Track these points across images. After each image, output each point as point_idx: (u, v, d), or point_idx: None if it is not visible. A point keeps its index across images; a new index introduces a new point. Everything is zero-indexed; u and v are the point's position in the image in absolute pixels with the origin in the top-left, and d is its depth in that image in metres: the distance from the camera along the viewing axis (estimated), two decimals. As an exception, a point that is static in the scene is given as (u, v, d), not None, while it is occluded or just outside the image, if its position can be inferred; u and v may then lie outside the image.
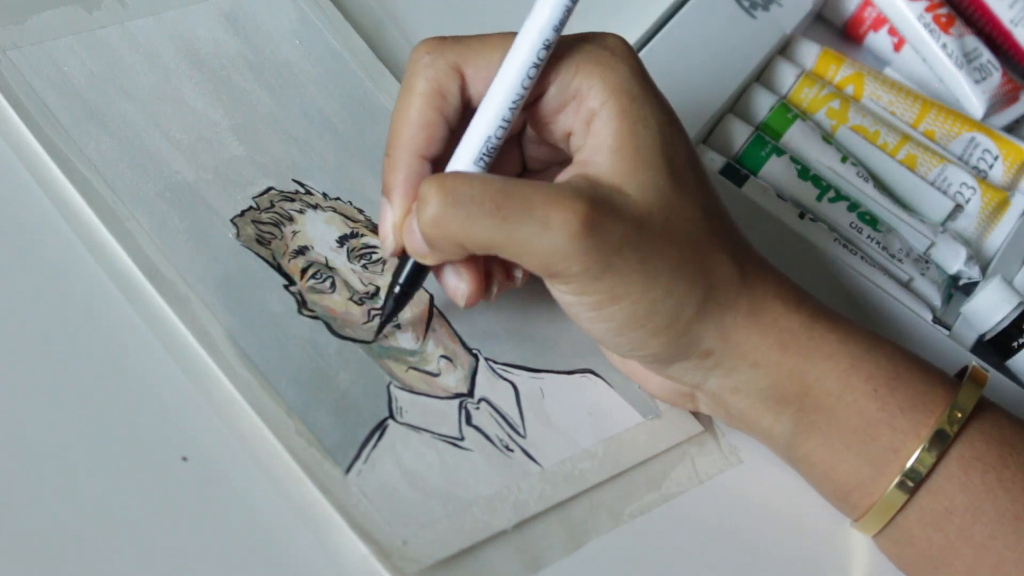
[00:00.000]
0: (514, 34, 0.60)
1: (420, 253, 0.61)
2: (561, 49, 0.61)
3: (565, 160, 0.63)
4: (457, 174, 0.60)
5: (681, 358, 0.62)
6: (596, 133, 0.60)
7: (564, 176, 0.61)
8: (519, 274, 0.64)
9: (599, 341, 0.63)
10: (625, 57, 0.61)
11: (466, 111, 0.61)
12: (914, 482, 0.61)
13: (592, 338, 0.63)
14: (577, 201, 0.58)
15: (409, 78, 0.61)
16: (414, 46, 0.62)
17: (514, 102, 0.60)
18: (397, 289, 0.62)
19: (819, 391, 0.62)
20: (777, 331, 0.62)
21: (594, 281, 0.59)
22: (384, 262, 0.66)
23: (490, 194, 0.58)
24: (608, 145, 0.60)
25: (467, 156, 0.60)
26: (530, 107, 0.62)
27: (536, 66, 0.59)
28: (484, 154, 0.60)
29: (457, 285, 0.62)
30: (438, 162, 0.61)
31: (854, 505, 0.63)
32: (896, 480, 0.61)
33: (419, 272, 0.62)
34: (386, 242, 0.62)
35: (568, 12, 0.60)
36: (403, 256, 0.62)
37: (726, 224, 0.63)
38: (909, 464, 0.61)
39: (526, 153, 0.66)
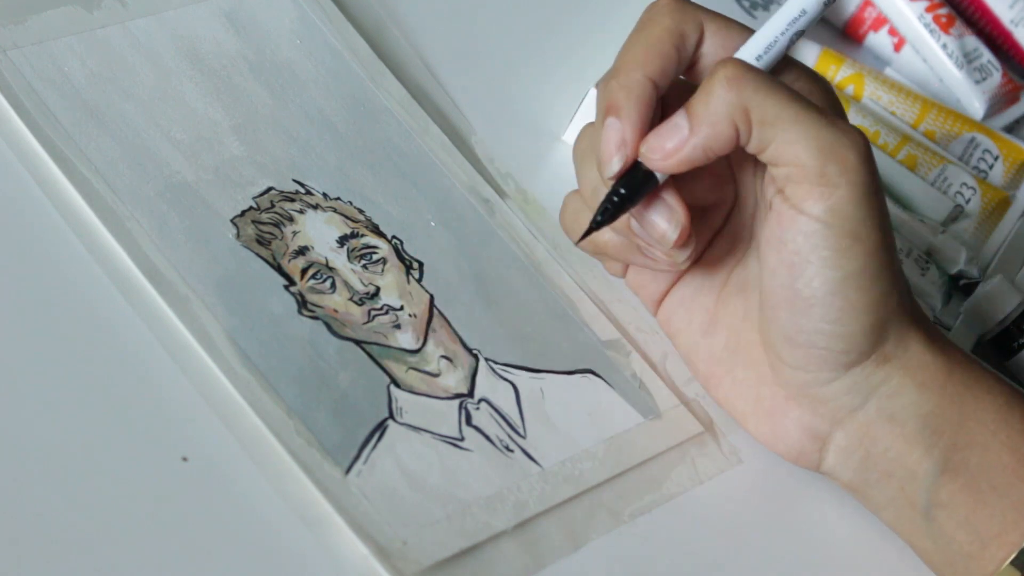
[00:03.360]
0: (750, 31, 0.63)
1: (676, 141, 0.60)
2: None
3: (720, 210, 0.66)
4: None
5: (861, 359, 0.62)
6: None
7: None
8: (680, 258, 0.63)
9: (805, 305, 0.61)
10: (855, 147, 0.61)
11: (693, 69, 0.62)
12: None
13: (796, 306, 0.61)
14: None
15: (651, 15, 0.62)
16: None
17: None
18: (623, 191, 0.61)
19: (975, 423, 0.62)
20: (945, 356, 0.62)
21: (853, 204, 0.59)
22: (384, 262, 0.66)
23: (785, 86, 0.60)
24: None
25: (751, 50, 0.62)
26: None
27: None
28: (772, 51, 0.62)
29: (668, 219, 0.61)
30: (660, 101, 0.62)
31: (989, 558, 0.61)
32: None
33: (646, 184, 0.61)
34: (611, 162, 0.61)
35: None
36: (621, 178, 0.61)
37: None
38: None
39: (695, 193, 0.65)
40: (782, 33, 0.62)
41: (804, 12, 0.62)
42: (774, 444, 0.65)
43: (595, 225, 0.62)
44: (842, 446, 0.63)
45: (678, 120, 0.60)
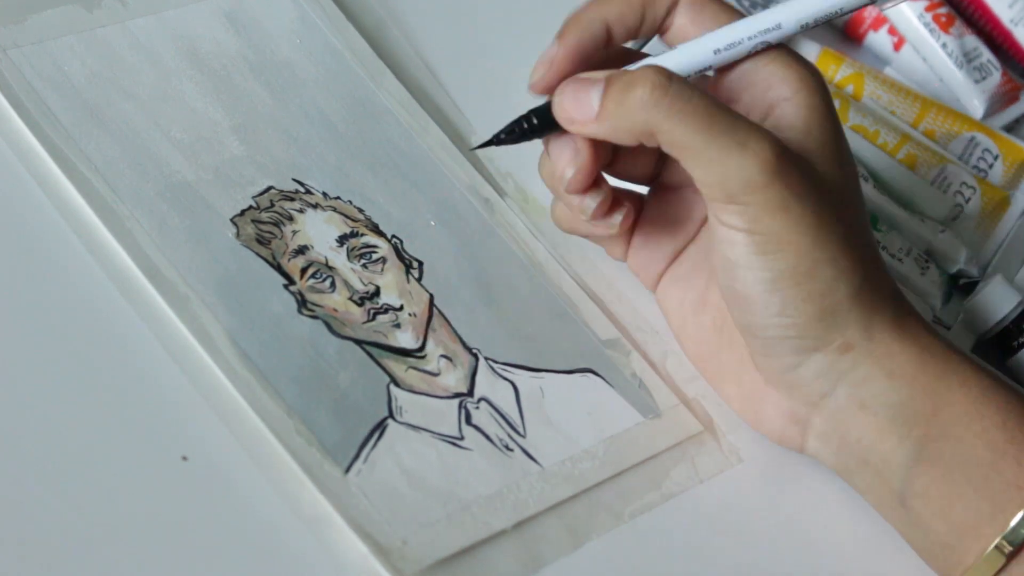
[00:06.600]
0: (728, 10, 0.63)
1: (583, 117, 0.61)
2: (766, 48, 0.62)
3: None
4: (679, 77, 0.60)
5: (820, 346, 0.62)
6: (785, 115, 0.61)
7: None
8: (616, 219, 0.64)
9: (747, 302, 0.62)
10: (818, 74, 0.63)
11: (665, 35, 0.64)
12: None
13: (740, 302, 0.62)
14: (776, 140, 0.59)
15: None
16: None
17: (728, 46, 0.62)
18: (532, 120, 0.63)
19: (948, 415, 0.61)
20: (918, 346, 0.62)
21: (768, 216, 0.59)
22: (384, 261, 0.66)
23: (705, 102, 0.59)
24: (798, 126, 0.61)
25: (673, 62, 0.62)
26: (716, 80, 0.63)
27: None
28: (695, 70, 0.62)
29: (571, 158, 0.62)
30: (608, 46, 0.63)
31: (966, 549, 0.60)
32: (1019, 516, 0.59)
33: (550, 123, 0.62)
34: (536, 71, 0.62)
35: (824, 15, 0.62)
36: (536, 109, 0.63)
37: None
38: None
39: (665, 168, 0.67)
40: (749, 38, 0.62)
41: (779, 26, 0.61)
42: (758, 426, 0.66)
43: (495, 140, 0.63)
44: (820, 431, 0.64)
45: (592, 94, 0.61)
